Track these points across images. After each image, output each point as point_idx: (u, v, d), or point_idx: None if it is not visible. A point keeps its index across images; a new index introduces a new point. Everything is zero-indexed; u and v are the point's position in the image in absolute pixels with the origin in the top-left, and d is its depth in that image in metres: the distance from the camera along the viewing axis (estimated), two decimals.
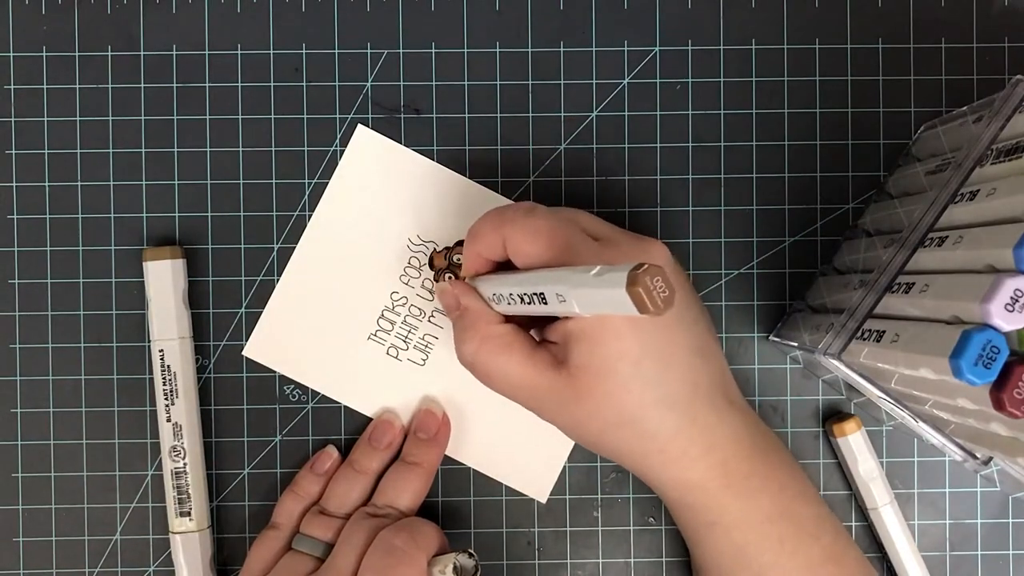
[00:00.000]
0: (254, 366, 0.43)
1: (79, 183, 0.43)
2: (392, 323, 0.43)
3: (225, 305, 0.43)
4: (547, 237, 0.34)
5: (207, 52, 0.43)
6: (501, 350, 0.35)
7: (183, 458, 0.42)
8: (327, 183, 0.43)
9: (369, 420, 0.43)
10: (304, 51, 0.43)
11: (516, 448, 0.43)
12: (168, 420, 0.42)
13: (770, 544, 0.36)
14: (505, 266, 0.37)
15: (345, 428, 0.43)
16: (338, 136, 0.43)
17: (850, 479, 0.43)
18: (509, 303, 0.34)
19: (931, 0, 0.43)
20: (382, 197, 0.43)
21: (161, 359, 0.42)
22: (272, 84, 0.43)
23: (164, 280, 0.42)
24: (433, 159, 0.43)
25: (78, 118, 0.43)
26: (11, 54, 0.43)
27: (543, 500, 0.43)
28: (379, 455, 0.42)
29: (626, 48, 0.43)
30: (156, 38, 0.43)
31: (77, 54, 0.43)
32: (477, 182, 0.43)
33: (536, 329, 0.37)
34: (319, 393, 0.43)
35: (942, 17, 0.43)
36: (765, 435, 0.37)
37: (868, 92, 0.43)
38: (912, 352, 0.31)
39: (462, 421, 0.43)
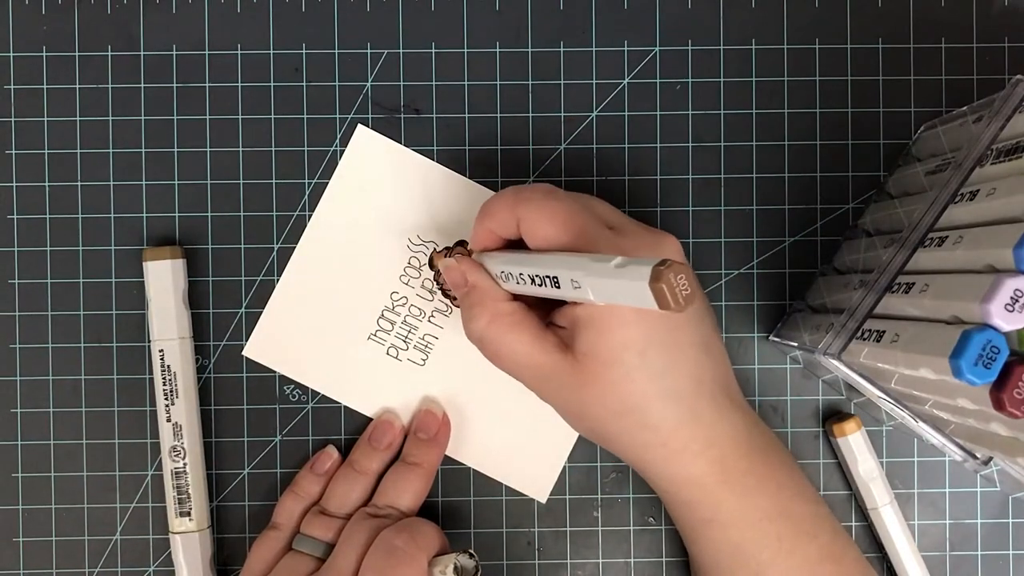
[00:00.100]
0: (254, 366, 0.43)
1: (79, 183, 0.43)
2: (392, 323, 0.43)
3: (225, 305, 0.43)
4: (564, 221, 0.34)
5: (207, 52, 0.43)
6: (511, 327, 0.35)
7: (183, 458, 0.42)
8: (327, 183, 0.43)
9: (369, 420, 0.43)
10: (304, 51, 0.43)
11: (516, 448, 0.43)
12: (168, 420, 0.42)
13: (768, 542, 0.36)
14: (513, 244, 0.37)
15: (345, 428, 0.43)
16: (338, 136, 0.43)
17: (850, 479, 0.43)
18: (518, 283, 0.34)
19: (931, 0, 0.43)
20: (382, 197, 0.43)
21: (161, 359, 0.42)
22: (272, 84, 0.43)
23: (164, 280, 0.42)
24: (433, 159, 0.43)
25: (78, 118, 0.43)
26: (11, 54, 0.43)
27: (543, 500, 0.43)
28: (379, 455, 0.42)
29: (626, 48, 0.43)
30: (156, 38, 0.43)
31: (77, 54, 0.43)
32: (477, 182, 0.43)
33: (541, 311, 0.37)
34: (319, 393, 0.43)
35: (942, 17, 0.43)
36: (764, 434, 0.37)
37: (868, 92, 0.43)
38: (912, 352, 0.31)
39: (462, 421, 0.43)
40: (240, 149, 0.43)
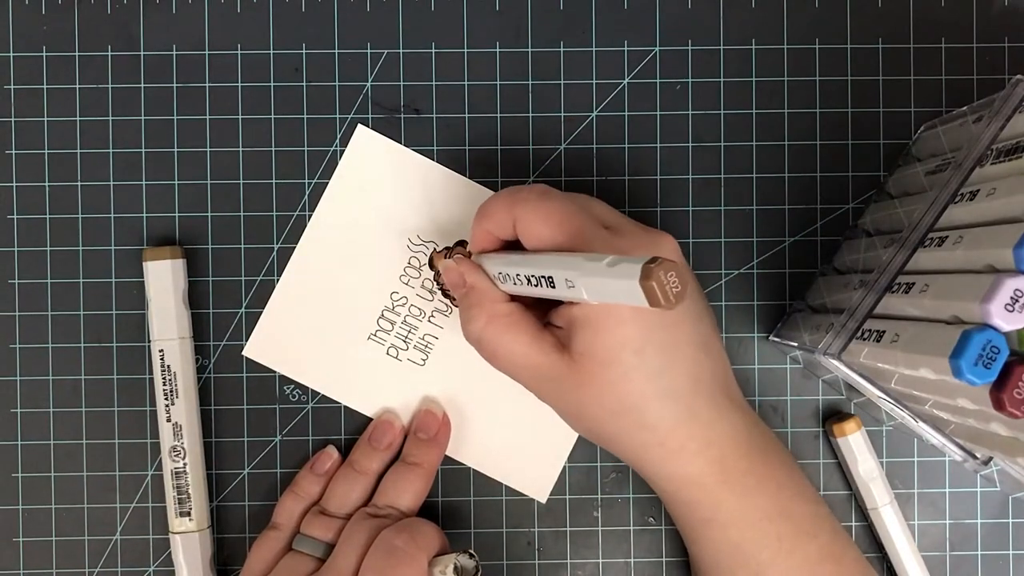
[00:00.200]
0: (254, 366, 0.43)
1: (79, 183, 0.43)
2: (392, 323, 0.43)
3: (225, 305, 0.43)
4: (559, 221, 0.34)
5: (207, 52, 0.43)
6: (508, 328, 0.35)
7: (183, 458, 0.42)
8: (327, 183, 0.43)
9: (369, 420, 0.43)
10: (304, 51, 0.43)
11: (516, 448, 0.43)
12: (168, 420, 0.42)
13: (768, 542, 0.36)
14: (512, 245, 0.37)
15: (345, 428, 0.43)
16: (338, 136, 0.43)
17: (850, 479, 0.43)
18: (515, 283, 0.34)
19: (931, 0, 0.43)
20: (382, 197, 0.43)
21: (161, 359, 0.42)
22: (272, 84, 0.43)
23: (164, 280, 0.42)
24: (433, 159, 0.43)
25: (78, 118, 0.43)
26: (11, 54, 0.43)
27: (543, 500, 0.43)
28: (379, 455, 0.42)
29: (626, 48, 0.43)
30: (156, 38, 0.43)
31: (77, 54, 0.43)
32: (477, 182, 0.43)
33: (539, 311, 0.37)
34: (319, 393, 0.43)
35: (942, 17, 0.43)
36: (764, 434, 0.37)
37: (868, 92, 0.43)
38: (912, 352, 0.31)
39: (462, 421, 0.43)
40: (240, 149, 0.43)
